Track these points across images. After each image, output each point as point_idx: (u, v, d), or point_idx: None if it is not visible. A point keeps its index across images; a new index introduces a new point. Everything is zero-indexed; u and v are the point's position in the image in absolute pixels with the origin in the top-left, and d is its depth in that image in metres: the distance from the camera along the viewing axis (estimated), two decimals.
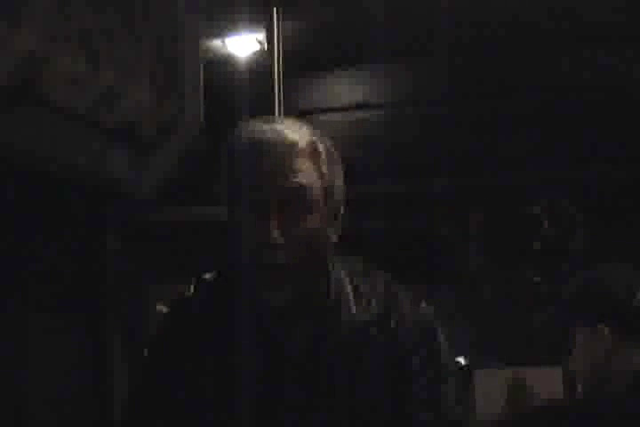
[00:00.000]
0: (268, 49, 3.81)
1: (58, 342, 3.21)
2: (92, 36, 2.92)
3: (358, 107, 4.38)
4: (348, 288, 1.68)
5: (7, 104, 2.59)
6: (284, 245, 1.56)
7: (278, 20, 3.75)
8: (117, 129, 3.08)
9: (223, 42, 4.39)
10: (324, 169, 1.62)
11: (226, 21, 4.19)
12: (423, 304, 1.72)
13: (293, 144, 1.59)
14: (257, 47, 4.37)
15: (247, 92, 4.01)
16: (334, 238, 1.66)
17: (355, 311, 1.65)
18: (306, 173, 1.59)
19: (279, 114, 3.55)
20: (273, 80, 3.71)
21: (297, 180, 1.58)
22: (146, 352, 1.74)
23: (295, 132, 1.61)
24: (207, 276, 1.73)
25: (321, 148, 1.63)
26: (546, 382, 4.23)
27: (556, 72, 4.40)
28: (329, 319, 1.64)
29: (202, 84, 3.67)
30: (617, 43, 4.31)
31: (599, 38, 4.25)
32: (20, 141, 2.70)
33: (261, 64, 3.94)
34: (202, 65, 3.71)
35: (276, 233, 1.55)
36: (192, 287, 1.72)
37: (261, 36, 4.14)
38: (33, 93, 2.68)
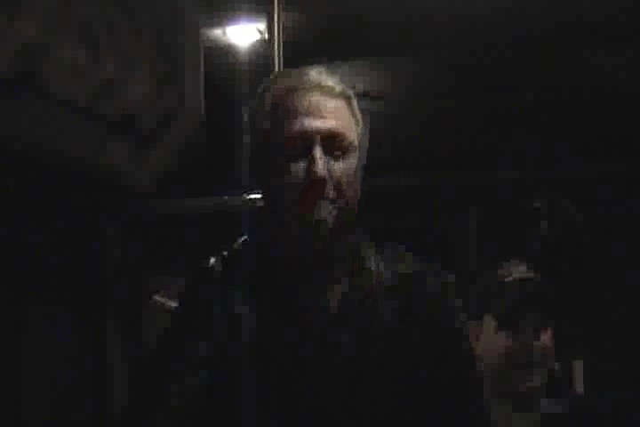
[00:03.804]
0: (268, 39, 3.79)
1: (56, 335, 3.21)
2: (91, 27, 2.90)
3: (358, 98, 4.35)
4: (375, 255, 1.69)
5: (6, 95, 2.58)
6: (327, 179, 1.57)
7: (279, 9, 3.73)
8: (117, 121, 3.07)
9: (224, 31, 4.36)
10: (358, 117, 1.65)
11: (226, 11, 4.17)
12: (450, 278, 1.73)
13: (330, 87, 1.63)
14: (257, 37, 4.34)
15: (247, 81, 3.99)
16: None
17: (383, 277, 1.66)
18: (343, 116, 1.62)
19: None
20: (273, 70, 3.69)
21: (336, 120, 1.60)
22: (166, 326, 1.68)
23: (331, 78, 1.64)
24: (225, 253, 1.70)
25: (353, 98, 1.66)
26: None
27: (557, 69, 4.38)
28: (356, 282, 1.65)
29: (202, 74, 3.66)
30: (618, 42, 4.30)
31: (601, 37, 4.23)
32: (20, 132, 2.69)
33: (262, 54, 3.91)
34: (202, 55, 3.69)
35: (321, 165, 1.56)
36: (213, 260, 1.68)
37: (262, 25, 4.11)
38: (32, 84, 2.67)
